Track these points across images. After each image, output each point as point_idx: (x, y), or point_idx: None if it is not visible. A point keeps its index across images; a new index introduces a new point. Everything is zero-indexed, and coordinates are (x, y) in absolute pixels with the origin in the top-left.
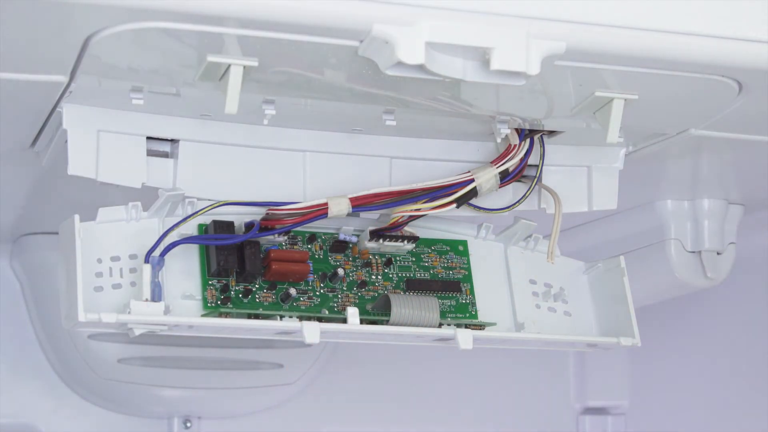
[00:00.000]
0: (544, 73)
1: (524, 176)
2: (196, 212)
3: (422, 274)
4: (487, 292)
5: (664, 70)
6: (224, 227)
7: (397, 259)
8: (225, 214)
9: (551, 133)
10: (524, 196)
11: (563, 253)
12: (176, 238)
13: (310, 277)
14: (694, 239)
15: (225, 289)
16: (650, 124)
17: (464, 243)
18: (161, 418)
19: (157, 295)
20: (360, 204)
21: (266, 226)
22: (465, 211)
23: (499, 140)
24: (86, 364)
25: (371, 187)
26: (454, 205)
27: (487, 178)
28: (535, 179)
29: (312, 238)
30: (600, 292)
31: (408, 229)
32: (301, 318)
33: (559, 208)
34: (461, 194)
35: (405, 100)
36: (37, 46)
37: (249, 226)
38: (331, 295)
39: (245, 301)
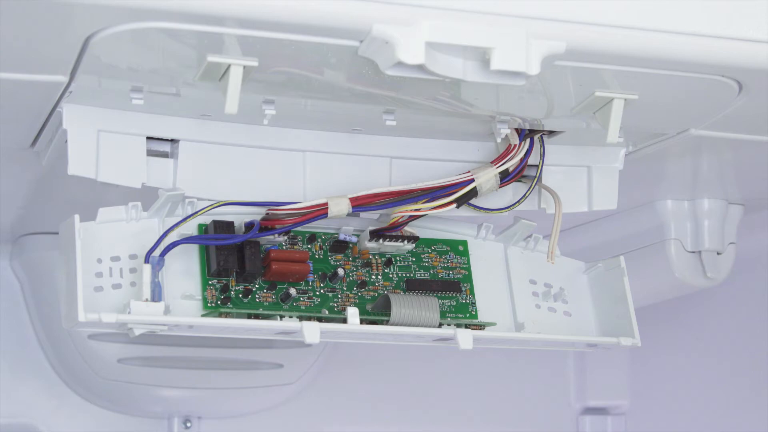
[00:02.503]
0: (544, 73)
1: (524, 176)
2: (196, 212)
3: (422, 274)
4: (487, 292)
5: (664, 70)
6: (224, 227)
7: (397, 259)
8: (225, 214)
9: (551, 133)
10: (524, 196)
11: (563, 253)
12: (176, 238)
13: (310, 277)
14: (694, 239)
15: (225, 289)
16: (650, 124)
17: (464, 243)
18: (161, 418)
19: (157, 295)
20: (360, 204)
21: (266, 226)
22: (465, 211)
23: (499, 140)
24: (86, 364)
25: (371, 187)
26: (454, 205)
27: (487, 178)
28: (535, 179)
29: (312, 238)
30: (600, 292)
31: (408, 229)
32: (301, 318)
33: (559, 208)
34: (461, 194)
35: (405, 100)
36: (37, 46)
37: (249, 226)
38: (331, 295)
39: (245, 301)
